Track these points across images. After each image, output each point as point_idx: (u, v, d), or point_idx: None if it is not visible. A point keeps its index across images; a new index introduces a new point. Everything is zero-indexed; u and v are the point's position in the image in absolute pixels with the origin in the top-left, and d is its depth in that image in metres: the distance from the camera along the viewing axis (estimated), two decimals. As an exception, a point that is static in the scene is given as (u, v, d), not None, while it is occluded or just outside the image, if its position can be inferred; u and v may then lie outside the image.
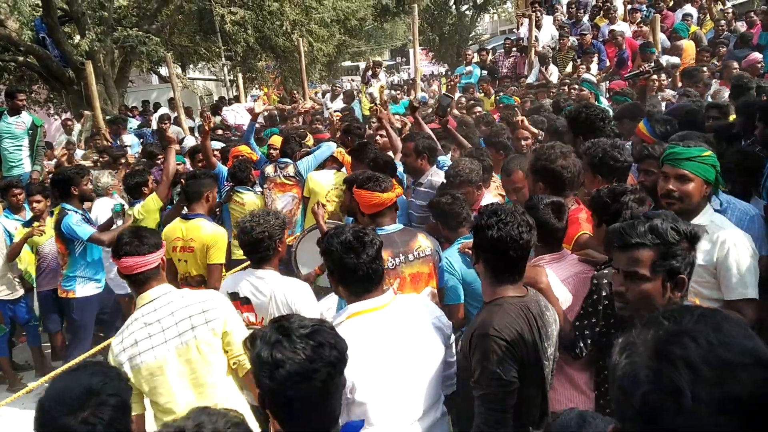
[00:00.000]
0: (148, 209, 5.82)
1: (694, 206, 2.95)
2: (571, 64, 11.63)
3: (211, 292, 3.23)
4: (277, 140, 7.08)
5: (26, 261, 6.61)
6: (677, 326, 1.08)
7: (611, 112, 7.64)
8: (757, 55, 8.68)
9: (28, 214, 6.61)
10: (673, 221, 2.17)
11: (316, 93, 18.60)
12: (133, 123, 13.52)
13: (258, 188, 6.72)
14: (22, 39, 13.84)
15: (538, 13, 13.19)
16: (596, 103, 8.05)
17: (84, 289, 5.65)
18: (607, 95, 9.97)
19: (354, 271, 2.53)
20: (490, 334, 2.32)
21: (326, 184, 6.03)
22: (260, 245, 3.50)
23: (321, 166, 6.46)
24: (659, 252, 2.13)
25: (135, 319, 2.96)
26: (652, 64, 8.09)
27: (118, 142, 9.98)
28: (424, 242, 3.51)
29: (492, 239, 2.42)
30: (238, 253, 5.81)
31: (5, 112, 7.66)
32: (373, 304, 2.55)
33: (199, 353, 2.95)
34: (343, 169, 6.35)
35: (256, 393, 1.84)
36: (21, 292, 6.50)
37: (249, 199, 6.34)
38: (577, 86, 9.01)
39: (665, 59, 8.62)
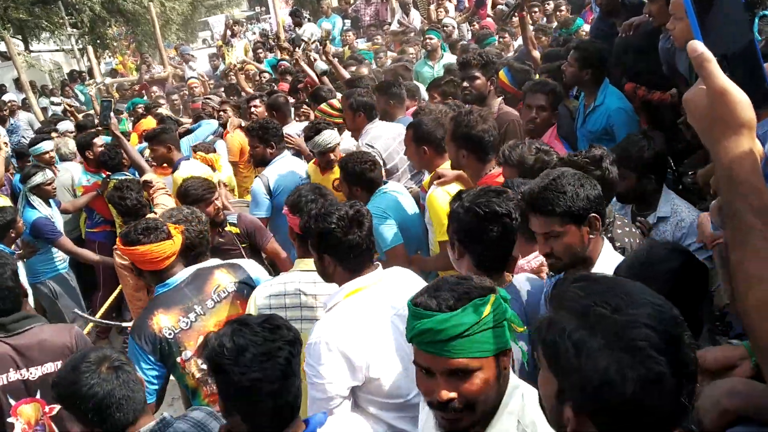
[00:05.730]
0: None
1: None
2: (432, 6, 11.65)
3: None
4: (149, 123, 6.80)
5: None
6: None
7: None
8: None
9: None
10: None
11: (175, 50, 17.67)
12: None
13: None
14: None
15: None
16: (442, 51, 8.17)
17: None
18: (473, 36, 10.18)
19: (358, 246, 2.41)
20: None
21: None
22: None
23: None
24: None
25: None
26: None
27: None
28: (223, 279, 3.07)
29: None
30: None
31: None
32: (369, 280, 2.47)
33: None
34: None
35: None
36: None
37: None
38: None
39: None
